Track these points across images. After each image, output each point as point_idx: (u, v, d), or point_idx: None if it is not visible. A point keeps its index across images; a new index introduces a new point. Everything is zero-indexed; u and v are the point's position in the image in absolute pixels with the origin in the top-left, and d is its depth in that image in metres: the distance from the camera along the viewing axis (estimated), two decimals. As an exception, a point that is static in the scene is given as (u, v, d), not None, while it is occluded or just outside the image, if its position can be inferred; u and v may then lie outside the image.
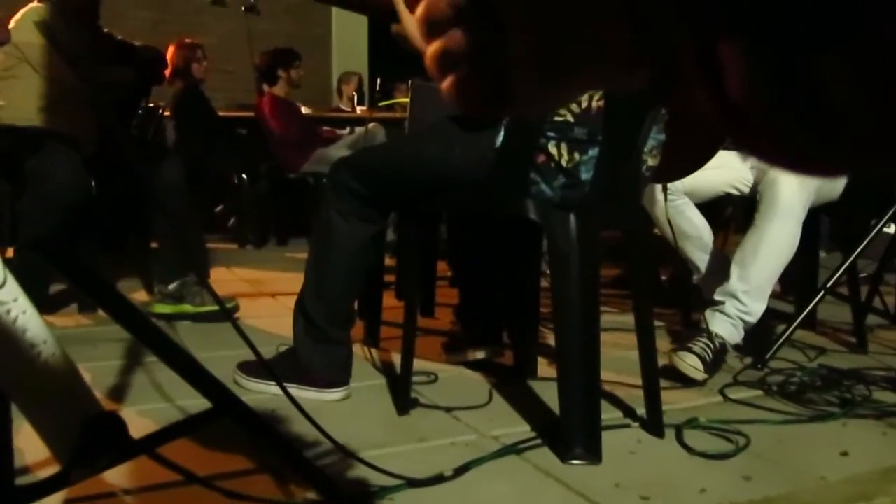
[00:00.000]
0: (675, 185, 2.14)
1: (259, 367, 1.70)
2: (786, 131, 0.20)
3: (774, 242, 2.03)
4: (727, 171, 2.23)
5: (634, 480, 1.33)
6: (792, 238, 2.05)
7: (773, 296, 2.18)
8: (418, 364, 1.77)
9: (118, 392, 1.75)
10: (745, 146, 0.22)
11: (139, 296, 2.81)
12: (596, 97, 1.49)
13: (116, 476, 1.24)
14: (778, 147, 0.21)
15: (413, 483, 1.26)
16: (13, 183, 2.18)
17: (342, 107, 6.06)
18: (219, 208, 4.98)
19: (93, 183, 2.48)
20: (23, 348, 0.77)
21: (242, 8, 4.60)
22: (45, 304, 2.55)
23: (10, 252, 0.83)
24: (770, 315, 2.17)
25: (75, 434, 0.77)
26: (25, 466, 1.24)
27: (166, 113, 4.19)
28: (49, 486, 0.84)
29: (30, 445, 1.15)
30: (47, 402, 0.79)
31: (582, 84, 0.27)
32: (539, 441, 1.49)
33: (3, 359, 0.76)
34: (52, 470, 0.90)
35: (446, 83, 0.29)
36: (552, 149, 1.49)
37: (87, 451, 0.78)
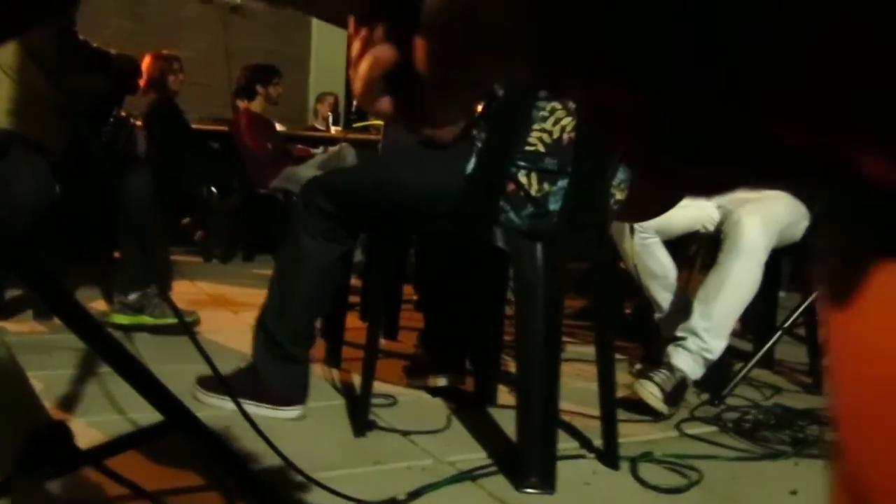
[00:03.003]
0: (647, 223, 2.18)
1: (217, 383, 1.68)
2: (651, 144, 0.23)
3: (737, 282, 2.07)
4: (694, 209, 2.28)
5: (588, 512, 1.33)
6: (754, 278, 2.09)
7: (733, 334, 2.21)
8: (378, 386, 1.76)
9: (69, 402, 1.71)
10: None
11: (98, 305, 2.76)
12: (568, 129, 1.51)
13: (62, 488, 1.21)
14: (647, 159, 0.24)
15: (366, 506, 1.25)
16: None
17: (317, 126, 6.06)
18: (186, 220, 4.93)
19: (57, 189, 2.44)
20: (-29, 351, 0.75)
21: (229, 7, 4.58)
22: (0, 309, 2.50)
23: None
24: (729, 353, 2.20)
25: (20, 442, 0.76)
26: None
27: (138, 123, 4.15)
28: (-10, 494, 0.82)
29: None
30: (-7, 408, 0.77)
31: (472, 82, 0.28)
32: (495, 468, 1.49)
33: (-51, 361, 0.75)
34: (-5, 479, 0.88)
35: (378, 107, 0.30)
36: (522, 178, 1.51)
37: (31, 460, 0.76)
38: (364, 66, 0.30)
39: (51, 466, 0.80)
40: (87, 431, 1.50)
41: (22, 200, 2.20)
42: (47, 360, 1.96)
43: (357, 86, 0.30)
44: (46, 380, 1.77)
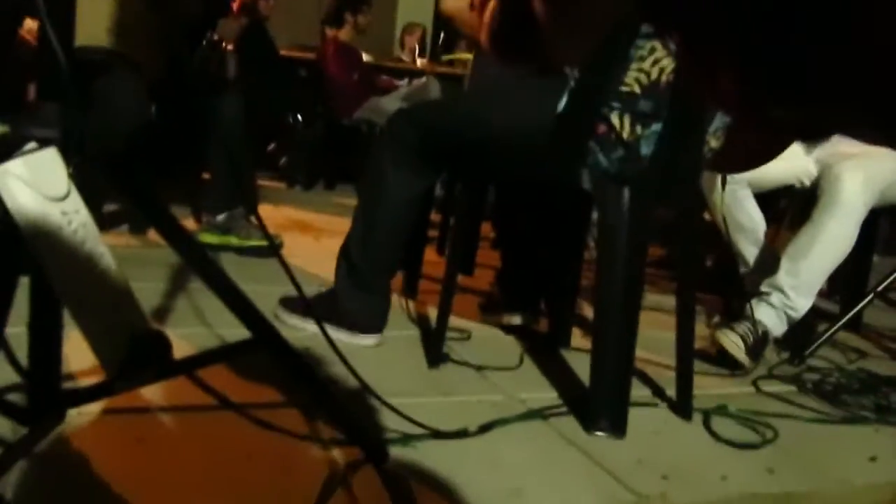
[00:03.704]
0: (740, 175, 2.10)
1: (299, 304, 1.73)
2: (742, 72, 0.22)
3: (830, 240, 1.98)
4: (791, 162, 2.18)
5: (656, 459, 1.33)
6: (849, 237, 2.00)
7: (820, 294, 2.14)
8: (453, 320, 1.78)
9: (161, 314, 1.80)
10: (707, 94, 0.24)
11: (187, 224, 2.87)
12: (667, 71, 1.45)
13: (153, 393, 1.29)
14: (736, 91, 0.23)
15: (437, 434, 1.28)
16: (81, 101, 2.22)
17: (403, 58, 6.02)
18: (271, 147, 5.02)
19: (153, 109, 2.52)
20: (81, 258, 0.79)
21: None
22: (98, 222, 2.63)
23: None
24: (813, 313, 2.13)
25: (123, 347, 0.80)
26: (71, 373, 1.29)
27: (230, 47, 4.21)
28: (92, 393, 0.88)
29: (76, 354, 1.19)
30: (99, 313, 0.82)
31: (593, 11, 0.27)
32: (565, 409, 1.50)
33: (61, 267, 0.79)
34: (96, 379, 0.94)
35: (483, 24, 0.29)
36: (615, 120, 1.47)
37: (132, 366, 0.81)
38: (488, 10, 0.29)
39: (150, 373, 0.85)
40: (177, 343, 1.57)
41: (121, 117, 2.28)
42: (141, 272, 2.05)
43: (482, 30, 0.29)
44: (140, 291, 1.85)
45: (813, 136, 0.23)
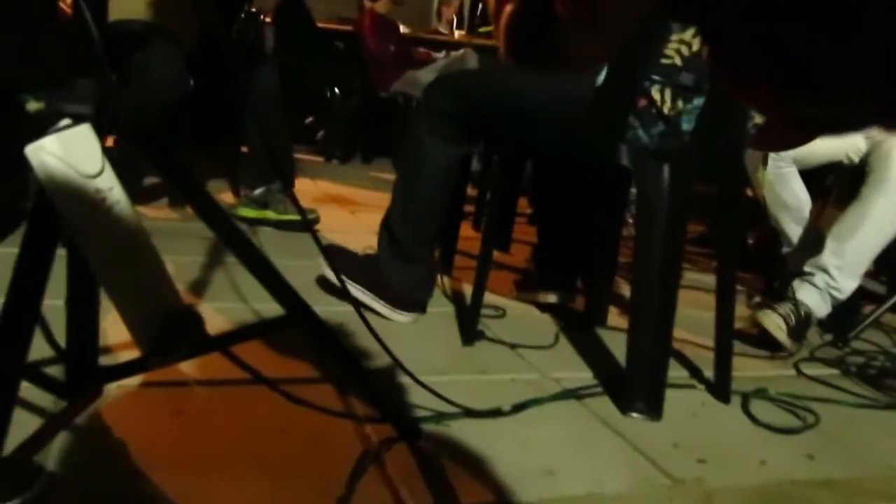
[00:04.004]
0: (785, 151, 2.04)
1: (346, 269, 1.73)
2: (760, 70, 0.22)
3: (878, 219, 1.92)
4: (839, 138, 2.10)
5: (693, 442, 1.31)
6: (898, 216, 1.93)
7: (866, 274, 2.08)
8: (488, 297, 1.77)
9: (197, 287, 1.82)
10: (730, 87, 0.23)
11: (225, 197, 2.89)
12: (709, 44, 1.41)
13: (189, 367, 1.30)
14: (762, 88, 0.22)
15: (470, 413, 1.28)
16: (118, 75, 2.24)
17: (441, 30, 5.96)
18: (309, 120, 5.03)
19: (191, 82, 2.52)
20: (114, 236, 0.79)
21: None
22: (138, 196, 2.66)
23: (109, 141, 0.85)
24: (859, 294, 2.07)
25: (157, 324, 0.81)
26: (108, 347, 1.31)
27: (267, 19, 4.21)
28: (129, 369, 0.89)
29: (114, 328, 1.21)
30: (134, 290, 0.82)
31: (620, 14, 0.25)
32: (600, 389, 1.48)
33: (96, 244, 0.79)
34: (132, 354, 0.95)
35: (500, 29, 0.27)
36: (655, 93, 1.43)
37: (166, 342, 0.81)
38: (504, 14, 0.27)
39: (184, 349, 0.85)
40: (212, 317, 1.59)
41: (159, 90, 2.29)
42: (179, 245, 2.08)
43: (499, 33, 0.28)
44: (177, 264, 1.89)
45: (848, 130, 0.22)
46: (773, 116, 0.24)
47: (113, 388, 1.18)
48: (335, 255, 1.80)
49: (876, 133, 2.09)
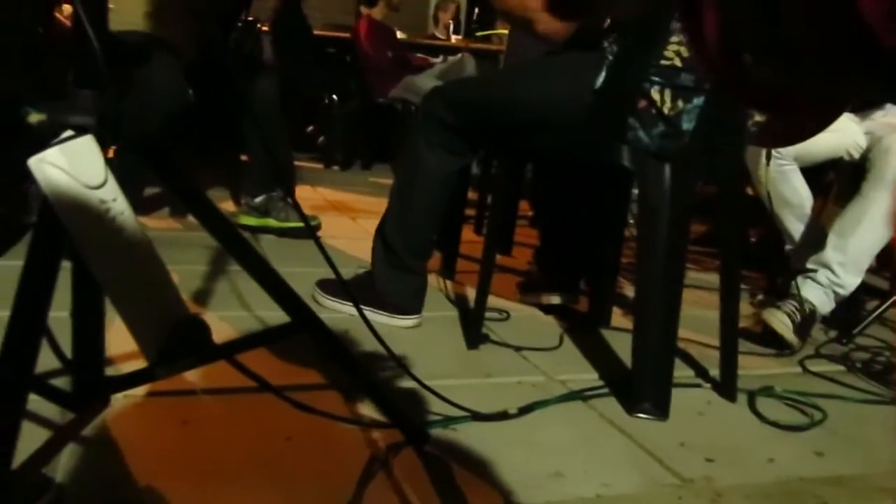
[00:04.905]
0: (785, 149, 2.04)
1: (336, 287, 1.73)
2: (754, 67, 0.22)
3: (879, 215, 1.92)
4: (840, 134, 2.11)
5: (700, 441, 1.31)
6: (899, 211, 1.93)
7: (868, 270, 2.08)
8: (492, 301, 1.77)
9: (201, 296, 1.82)
10: (724, 88, 0.23)
11: (226, 206, 2.89)
12: (708, 43, 1.41)
13: (196, 376, 1.30)
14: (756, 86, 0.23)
15: (477, 416, 1.28)
16: (118, 86, 2.24)
17: (438, 35, 5.97)
18: (310, 129, 5.04)
19: (190, 93, 2.53)
20: (119, 247, 0.80)
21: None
22: (139, 206, 2.66)
23: (110, 153, 0.85)
24: (862, 290, 2.07)
25: (163, 334, 0.81)
26: (114, 357, 1.31)
27: (265, 28, 4.22)
28: (135, 379, 0.89)
29: (120, 338, 1.21)
30: (139, 301, 0.82)
31: None
32: (606, 390, 1.48)
33: (101, 255, 0.79)
34: (139, 364, 0.95)
35: None
36: (655, 94, 1.43)
37: (172, 352, 0.81)
38: None
39: (190, 359, 0.85)
40: (217, 325, 1.59)
41: (160, 102, 2.29)
42: (182, 255, 2.08)
43: None
44: (181, 274, 1.89)
45: (833, 111, 0.22)
46: (718, 73, 0.24)
47: (120, 399, 1.18)
48: (329, 284, 1.80)
49: (876, 129, 2.09)
